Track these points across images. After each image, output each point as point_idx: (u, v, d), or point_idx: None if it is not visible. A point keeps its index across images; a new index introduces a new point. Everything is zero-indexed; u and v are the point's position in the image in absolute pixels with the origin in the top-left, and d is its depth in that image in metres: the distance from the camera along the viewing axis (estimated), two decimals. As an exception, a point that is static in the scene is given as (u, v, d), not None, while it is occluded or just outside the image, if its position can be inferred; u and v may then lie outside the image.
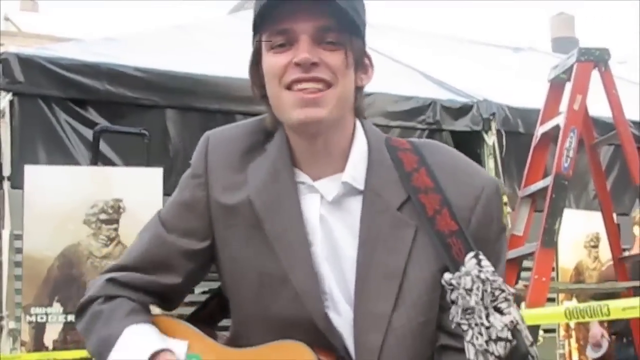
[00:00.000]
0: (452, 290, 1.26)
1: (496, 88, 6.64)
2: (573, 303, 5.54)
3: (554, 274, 5.72)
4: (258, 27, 1.32)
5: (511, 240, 4.28)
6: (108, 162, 4.99)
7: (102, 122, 5.01)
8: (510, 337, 1.23)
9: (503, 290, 1.25)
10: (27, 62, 4.88)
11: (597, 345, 5.87)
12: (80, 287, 4.54)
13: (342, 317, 1.33)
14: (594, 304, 2.91)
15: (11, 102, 4.78)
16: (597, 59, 4.29)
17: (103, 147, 4.95)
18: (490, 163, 5.76)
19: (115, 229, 4.64)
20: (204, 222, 1.39)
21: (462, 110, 5.93)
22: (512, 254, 4.15)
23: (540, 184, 4.31)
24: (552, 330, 6.21)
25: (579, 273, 6.18)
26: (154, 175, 4.73)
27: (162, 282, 1.41)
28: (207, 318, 1.50)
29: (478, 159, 5.65)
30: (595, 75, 4.32)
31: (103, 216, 4.63)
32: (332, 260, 1.34)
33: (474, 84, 6.58)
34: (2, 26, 29.24)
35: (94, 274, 4.56)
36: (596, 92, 4.35)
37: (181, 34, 6.87)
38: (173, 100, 5.22)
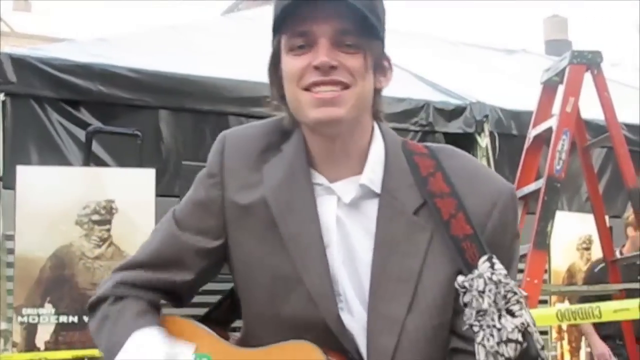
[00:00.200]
0: (465, 292, 1.26)
1: (489, 90, 6.65)
2: (565, 305, 5.54)
3: (546, 276, 5.71)
4: (278, 28, 1.32)
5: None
6: (100, 163, 4.98)
7: (95, 123, 4.99)
8: (520, 339, 1.23)
9: (515, 293, 1.26)
10: (20, 63, 4.86)
11: None
12: (72, 288, 4.54)
13: (355, 319, 1.32)
14: (585, 306, 2.91)
15: (3, 103, 4.76)
16: (589, 61, 4.30)
17: (95, 147, 4.94)
18: (483, 165, 5.75)
19: (108, 230, 4.62)
20: (218, 221, 1.39)
21: (455, 112, 5.93)
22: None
23: (532, 186, 4.31)
24: (545, 333, 6.21)
25: (571, 275, 6.18)
26: (147, 176, 4.72)
27: (174, 279, 1.41)
28: (220, 318, 1.50)
29: (471, 161, 5.63)
30: (587, 77, 4.33)
31: (95, 217, 4.61)
32: (348, 262, 1.34)
33: (467, 86, 6.58)
34: (-5, 26, 29.13)
35: (86, 275, 4.55)
36: (589, 94, 4.36)
37: (174, 35, 6.85)
38: (166, 101, 5.21)
